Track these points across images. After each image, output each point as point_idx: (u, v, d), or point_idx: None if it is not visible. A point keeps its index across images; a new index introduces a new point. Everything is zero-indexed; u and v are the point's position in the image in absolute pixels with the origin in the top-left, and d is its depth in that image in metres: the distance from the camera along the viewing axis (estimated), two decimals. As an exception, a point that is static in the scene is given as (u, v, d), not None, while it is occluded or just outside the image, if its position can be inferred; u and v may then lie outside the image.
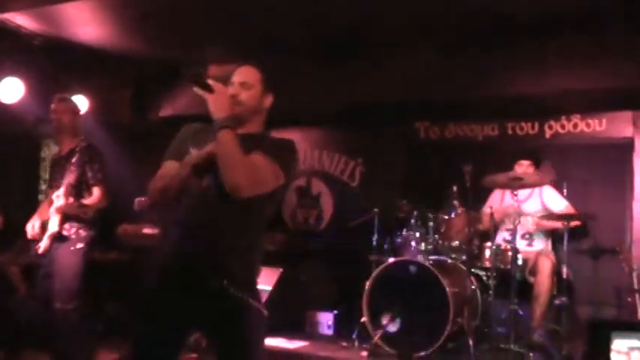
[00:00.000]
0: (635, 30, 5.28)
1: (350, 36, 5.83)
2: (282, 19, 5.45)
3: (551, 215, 5.67)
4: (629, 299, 5.07)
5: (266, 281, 5.72)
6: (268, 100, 2.71)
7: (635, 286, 4.87)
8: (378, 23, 5.46)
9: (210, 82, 2.53)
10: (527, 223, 5.73)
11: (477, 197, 5.82)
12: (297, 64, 6.26)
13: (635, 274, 4.89)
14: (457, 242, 5.52)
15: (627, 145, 5.93)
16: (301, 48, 6.12)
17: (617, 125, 6.03)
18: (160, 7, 5.29)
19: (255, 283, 2.66)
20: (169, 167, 2.63)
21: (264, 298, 2.79)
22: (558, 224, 5.56)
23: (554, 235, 5.79)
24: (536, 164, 5.86)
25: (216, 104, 2.51)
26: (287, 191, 3.79)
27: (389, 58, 6.12)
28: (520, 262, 5.42)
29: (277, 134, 2.78)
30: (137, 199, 5.91)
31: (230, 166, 2.44)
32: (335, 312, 6.24)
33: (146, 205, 5.68)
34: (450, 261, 5.49)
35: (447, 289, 4.96)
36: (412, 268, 5.19)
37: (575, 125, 6.16)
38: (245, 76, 2.67)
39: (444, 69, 6.01)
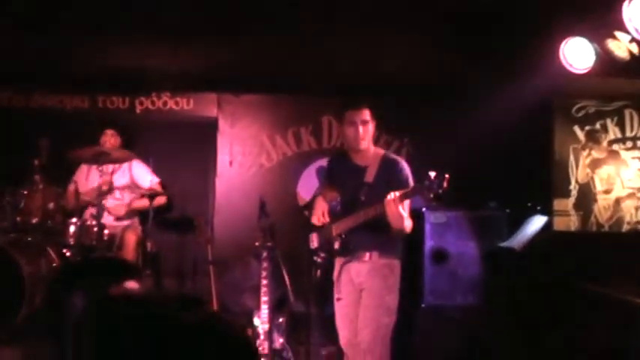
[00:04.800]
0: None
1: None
2: None
3: (137, 191, 5.73)
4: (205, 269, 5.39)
5: None
6: None
7: (209, 257, 5.16)
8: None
9: None
10: (119, 210, 5.73)
11: (63, 171, 5.67)
12: None
13: (209, 246, 5.18)
14: (37, 219, 5.22)
15: (212, 125, 6.29)
16: None
17: (203, 105, 6.35)
18: None
19: None
20: None
21: None
22: (146, 203, 5.65)
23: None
24: (123, 135, 5.88)
25: None
26: None
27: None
28: (107, 237, 5.37)
29: None
30: None
31: None
32: None
33: None
34: (29, 239, 5.16)
35: (24, 268, 4.67)
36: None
37: (165, 103, 6.31)
38: None
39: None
